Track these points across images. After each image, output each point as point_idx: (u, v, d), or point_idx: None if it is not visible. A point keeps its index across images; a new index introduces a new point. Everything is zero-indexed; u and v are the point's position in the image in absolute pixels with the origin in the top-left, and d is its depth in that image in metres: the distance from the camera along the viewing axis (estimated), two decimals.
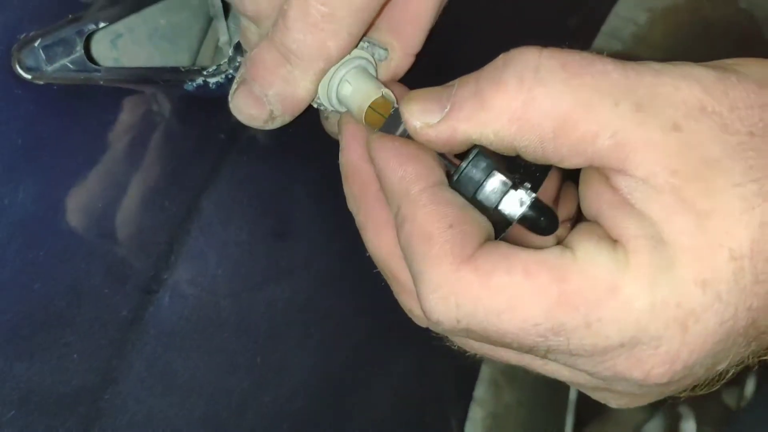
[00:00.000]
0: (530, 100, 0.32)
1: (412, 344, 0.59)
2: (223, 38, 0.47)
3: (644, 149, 0.31)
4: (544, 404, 0.87)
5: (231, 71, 0.44)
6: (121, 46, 0.47)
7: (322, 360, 0.54)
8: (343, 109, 0.42)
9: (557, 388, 0.83)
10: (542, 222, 0.34)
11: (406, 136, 0.37)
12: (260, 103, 0.40)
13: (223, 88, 0.44)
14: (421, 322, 0.39)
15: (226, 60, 0.44)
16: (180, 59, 0.49)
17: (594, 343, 0.32)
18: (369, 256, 0.40)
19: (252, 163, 0.45)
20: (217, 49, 0.49)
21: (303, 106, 0.40)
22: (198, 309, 0.44)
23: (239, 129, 0.44)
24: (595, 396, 0.38)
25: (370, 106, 0.39)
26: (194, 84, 0.43)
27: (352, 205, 0.40)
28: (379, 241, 0.38)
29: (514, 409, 0.79)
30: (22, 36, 0.36)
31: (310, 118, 0.46)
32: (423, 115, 0.35)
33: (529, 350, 0.33)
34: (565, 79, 0.32)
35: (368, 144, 0.38)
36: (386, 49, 0.42)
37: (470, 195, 0.36)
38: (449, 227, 0.34)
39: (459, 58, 0.53)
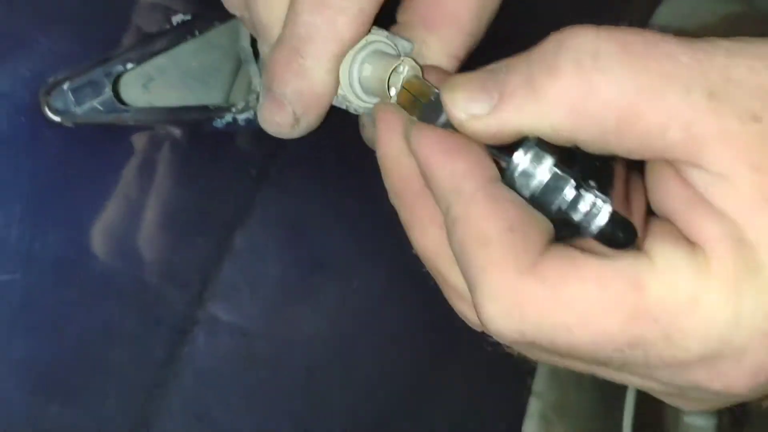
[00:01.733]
0: (590, 89, 0.29)
1: (458, 381, 0.57)
2: (255, 80, 0.47)
3: (721, 142, 0.28)
4: None
5: None
6: (153, 88, 0.47)
7: (365, 397, 0.52)
8: (373, 101, 0.39)
9: (611, 418, 0.80)
10: (620, 237, 0.30)
11: (449, 126, 0.33)
12: (282, 105, 0.38)
13: (252, 124, 0.43)
14: (476, 327, 0.36)
15: (255, 95, 0.44)
16: (213, 98, 0.50)
17: (673, 355, 0.29)
18: (412, 281, 0.38)
19: (284, 196, 0.45)
20: (249, 88, 0.49)
21: (323, 103, 0.38)
22: (234, 347, 0.44)
23: (270, 163, 0.44)
24: (667, 400, 0.35)
25: (403, 87, 0.36)
26: (223, 121, 0.43)
27: (394, 200, 0.37)
28: (426, 240, 0.35)
29: None
30: (51, 79, 0.36)
31: (338, 145, 0.45)
32: (469, 105, 0.32)
33: (603, 364, 0.31)
34: (628, 64, 0.28)
35: (408, 136, 0.35)
36: (411, 42, 0.40)
37: (529, 194, 0.32)
38: (509, 230, 0.30)
39: None
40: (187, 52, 0.48)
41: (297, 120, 0.38)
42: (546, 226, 0.32)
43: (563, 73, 0.29)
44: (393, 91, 0.37)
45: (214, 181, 0.43)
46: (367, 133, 0.42)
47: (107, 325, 0.39)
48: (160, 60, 0.47)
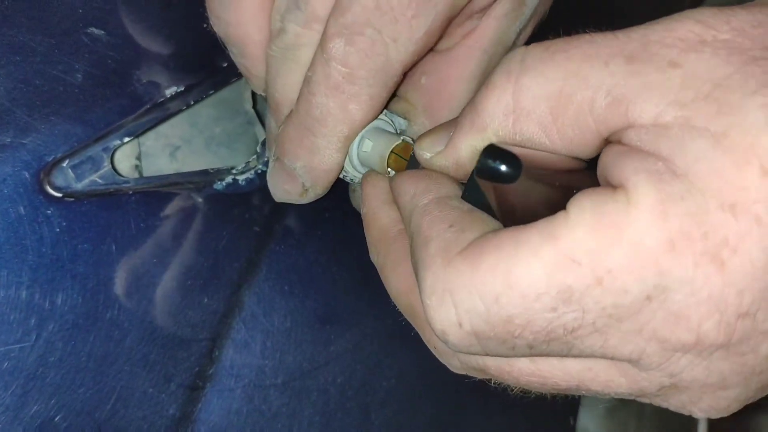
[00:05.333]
0: (519, 88, 0.30)
1: (480, 425, 0.55)
2: (261, 139, 0.49)
3: (643, 94, 0.27)
4: None
5: (260, 167, 0.45)
6: (180, 157, 0.50)
7: None
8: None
9: None
10: (503, 169, 0.29)
11: None
12: (292, 177, 0.40)
13: (253, 184, 0.45)
14: (449, 360, 0.35)
15: (254, 157, 0.46)
16: (238, 161, 0.52)
17: (614, 302, 0.26)
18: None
19: (289, 251, 0.46)
20: (250, 150, 0.51)
21: (331, 177, 0.41)
22: (248, 401, 0.44)
23: (273, 220, 0.46)
24: (672, 404, 0.31)
25: (393, 152, 0.39)
26: (224, 183, 0.45)
27: (372, 252, 0.38)
28: (397, 277, 0.36)
29: None
30: (51, 158, 0.39)
31: (344, 198, 0.46)
32: (432, 145, 0.35)
33: (548, 339, 0.28)
34: (550, 57, 0.29)
35: (390, 184, 0.38)
36: (406, 119, 0.42)
37: (477, 200, 0.33)
38: (449, 227, 0.31)
39: None
40: (210, 120, 0.51)
41: (306, 190, 0.41)
42: (490, 222, 0.32)
43: (496, 84, 0.31)
44: (388, 162, 0.40)
45: (217, 241, 0.44)
46: (356, 198, 0.45)
47: (117, 386, 0.40)
48: (185, 130, 0.50)
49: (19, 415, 0.38)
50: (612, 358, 0.29)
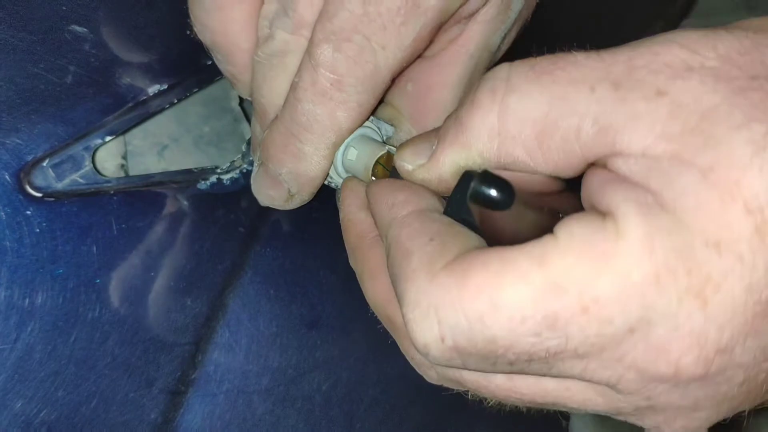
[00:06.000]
0: (504, 110, 0.30)
1: (469, 431, 0.55)
2: (247, 137, 0.49)
3: (631, 125, 0.27)
4: None
5: (245, 166, 0.45)
6: (167, 156, 0.49)
7: None
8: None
9: None
10: (495, 195, 0.30)
11: None
12: (277, 182, 0.40)
13: (238, 183, 0.44)
14: (427, 371, 0.35)
15: (240, 156, 0.45)
16: (227, 160, 0.51)
17: (597, 332, 0.26)
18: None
19: (275, 254, 0.45)
20: (236, 149, 0.51)
21: (317, 183, 0.40)
22: (231, 407, 0.44)
23: (259, 221, 0.45)
24: (647, 423, 0.32)
25: (378, 161, 0.39)
26: (208, 182, 0.44)
27: (351, 258, 0.38)
28: (375, 287, 0.36)
29: None
30: (31, 158, 0.38)
31: (331, 200, 0.45)
32: (414, 157, 0.34)
33: (529, 360, 0.28)
34: (535, 78, 0.29)
35: (366, 190, 0.37)
36: (393, 125, 0.42)
37: (458, 208, 0.32)
38: (429, 241, 0.30)
39: None
40: (198, 119, 0.50)
41: (291, 196, 0.40)
42: (472, 237, 0.31)
43: (481, 102, 0.30)
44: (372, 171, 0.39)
45: (202, 242, 0.43)
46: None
47: (98, 390, 0.40)
48: (172, 128, 0.49)
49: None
50: (590, 381, 0.29)
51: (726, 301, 0.26)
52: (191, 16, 0.38)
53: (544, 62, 0.29)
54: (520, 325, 0.27)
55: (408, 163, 0.34)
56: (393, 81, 0.38)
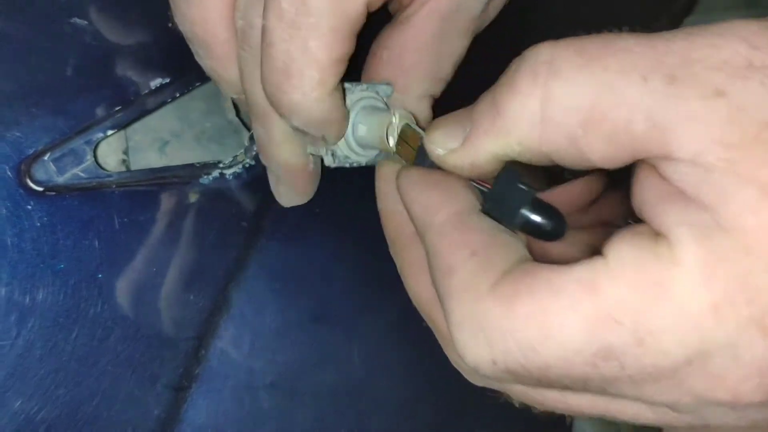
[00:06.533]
0: (548, 96, 0.27)
1: (476, 427, 0.54)
2: (249, 133, 0.48)
3: (685, 125, 0.25)
4: None
5: (248, 161, 0.44)
6: (169, 151, 0.49)
7: None
8: (373, 153, 0.40)
9: None
10: (545, 225, 0.29)
11: (436, 166, 0.34)
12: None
13: (241, 178, 0.44)
14: (470, 375, 0.34)
15: (242, 151, 0.45)
16: (228, 156, 0.51)
17: (654, 363, 0.26)
18: (421, 329, 0.37)
19: (279, 247, 0.45)
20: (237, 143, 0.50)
21: (330, 124, 0.37)
22: (236, 402, 0.43)
23: (262, 216, 0.44)
24: None
25: (401, 138, 0.36)
26: (210, 177, 0.43)
27: (392, 251, 0.37)
28: (418, 286, 0.35)
29: None
30: (32, 151, 0.38)
31: (337, 192, 0.45)
32: (445, 140, 0.32)
33: (584, 385, 0.28)
34: (584, 64, 0.27)
35: (396, 181, 0.35)
36: (389, 84, 0.40)
37: (502, 217, 0.31)
38: (472, 255, 0.29)
39: None
40: (200, 115, 0.50)
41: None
42: (517, 246, 0.30)
43: (521, 86, 0.28)
44: (392, 142, 0.37)
45: (205, 237, 0.43)
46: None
47: (100, 387, 0.39)
48: (174, 124, 0.49)
49: (1, 413, 0.37)
50: (644, 402, 0.29)
51: None
52: (171, 5, 0.37)
53: (592, 47, 0.27)
54: (575, 355, 0.26)
55: (439, 146, 0.32)
56: (370, 17, 0.35)
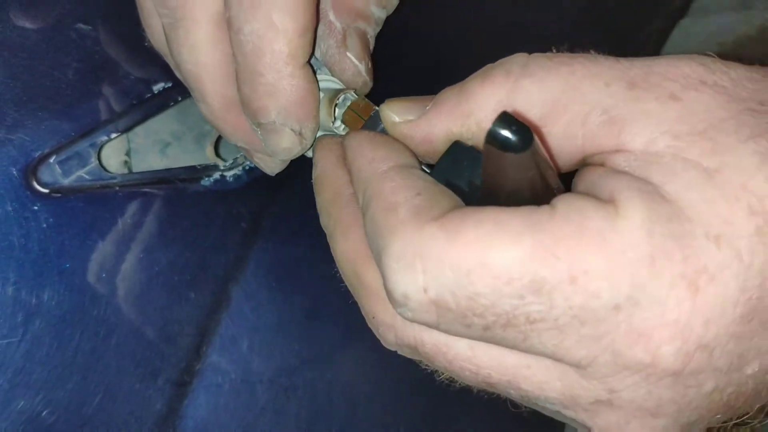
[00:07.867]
0: (516, 88, 0.30)
1: (469, 425, 0.56)
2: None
3: (640, 119, 0.28)
4: None
5: (248, 163, 0.45)
6: (170, 153, 0.50)
7: None
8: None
9: None
10: (513, 136, 0.27)
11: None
12: (278, 131, 0.38)
13: (241, 180, 0.45)
14: (386, 332, 0.34)
15: (242, 153, 0.46)
16: (229, 158, 0.52)
17: (582, 304, 0.26)
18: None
19: (277, 247, 0.46)
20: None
21: (309, 107, 0.38)
22: (235, 397, 0.45)
23: (261, 217, 0.46)
24: (597, 424, 0.30)
25: (351, 108, 0.38)
26: (211, 179, 0.45)
27: (323, 216, 0.37)
28: (347, 243, 0.35)
29: None
30: (38, 154, 0.39)
31: None
32: (403, 112, 0.34)
33: (506, 325, 0.28)
34: (553, 67, 0.30)
35: (343, 141, 0.36)
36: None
37: (453, 175, 0.32)
38: (417, 195, 0.30)
39: None
40: (201, 118, 0.51)
41: (300, 134, 0.39)
42: (460, 202, 0.31)
43: (493, 79, 0.31)
44: (338, 111, 0.39)
45: (206, 237, 0.44)
46: None
47: (104, 382, 0.40)
48: (174, 127, 0.50)
49: (6, 410, 0.38)
50: (560, 360, 0.29)
51: (718, 294, 0.26)
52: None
53: (562, 55, 0.30)
54: (506, 285, 0.27)
55: (396, 114, 0.34)
56: None
